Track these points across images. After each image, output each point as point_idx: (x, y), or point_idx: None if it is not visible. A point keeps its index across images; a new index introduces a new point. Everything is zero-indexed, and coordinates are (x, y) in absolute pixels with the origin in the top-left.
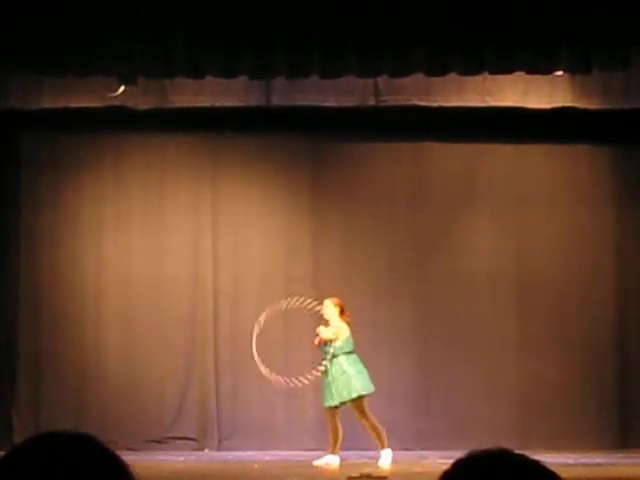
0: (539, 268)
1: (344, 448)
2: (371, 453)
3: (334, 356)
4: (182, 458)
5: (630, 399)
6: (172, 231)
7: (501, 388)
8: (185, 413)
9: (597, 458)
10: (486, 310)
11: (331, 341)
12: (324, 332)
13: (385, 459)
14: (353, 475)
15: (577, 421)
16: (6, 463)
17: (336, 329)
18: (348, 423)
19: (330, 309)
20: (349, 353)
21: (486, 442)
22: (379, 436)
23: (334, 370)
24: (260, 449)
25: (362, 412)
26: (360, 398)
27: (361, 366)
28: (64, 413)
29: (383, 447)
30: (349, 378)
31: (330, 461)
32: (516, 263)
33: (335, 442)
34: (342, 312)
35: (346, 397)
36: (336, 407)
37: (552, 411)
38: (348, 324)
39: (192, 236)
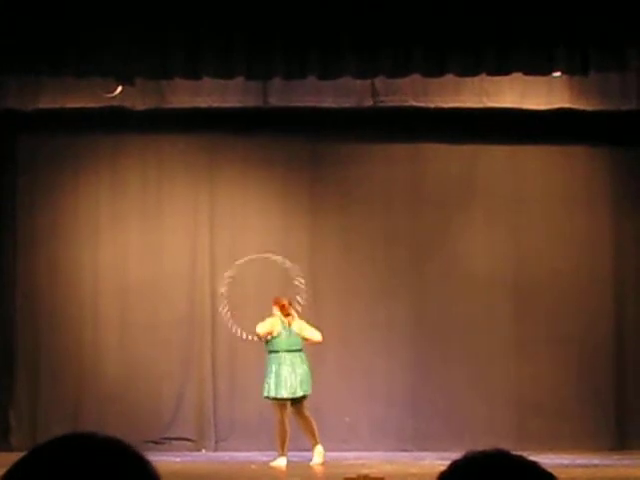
0: (536, 269)
1: (342, 449)
2: (368, 454)
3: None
4: (179, 459)
5: (627, 400)
6: (169, 232)
7: (498, 389)
8: (182, 414)
9: (594, 459)
10: (483, 311)
11: (267, 337)
12: (259, 327)
13: (279, 462)
14: (350, 476)
15: (574, 422)
16: (29, 464)
17: (268, 324)
18: (346, 425)
19: (273, 309)
20: (274, 352)
21: (483, 443)
22: (278, 442)
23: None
24: (257, 450)
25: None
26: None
27: (278, 369)
28: (61, 413)
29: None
30: (264, 377)
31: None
32: (513, 264)
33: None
34: (282, 310)
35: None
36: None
37: (549, 412)
38: (288, 319)
39: (189, 237)
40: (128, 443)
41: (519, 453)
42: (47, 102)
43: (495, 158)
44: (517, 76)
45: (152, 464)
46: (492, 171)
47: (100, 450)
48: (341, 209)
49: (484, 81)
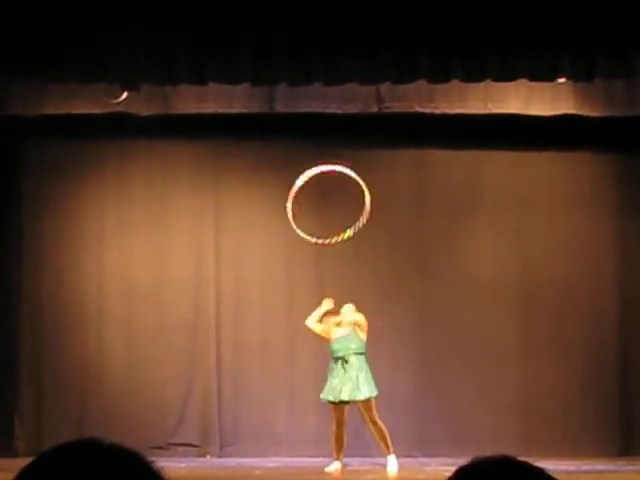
0: (541, 275)
1: (346, 455)
2: (373, 460)
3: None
4: (184, 464)
5: (632, 406)
6: (175, 237)
7: (503, 395)
8: (187, 419)
9: (599, 465)
10: (488, 317)
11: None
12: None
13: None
14: None
15: (579, 428)
16: (35, 471)
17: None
18: (349, 431)
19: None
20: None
21: (488, 449)
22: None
23: None
24: (262, 455)
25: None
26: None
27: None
28: (66, 419)
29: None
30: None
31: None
32: (518, 270)
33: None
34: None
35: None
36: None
37: (554, 418)
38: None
39: (195, 242)
40: (135, 449)
41: (524, 459)
42: (52, 108)
43: (500, 164)
44: (522, 82)
45: (161, 470)
46: (497, 177)
47: (108, 457)
48: (346, 214)
49: (489, 87)
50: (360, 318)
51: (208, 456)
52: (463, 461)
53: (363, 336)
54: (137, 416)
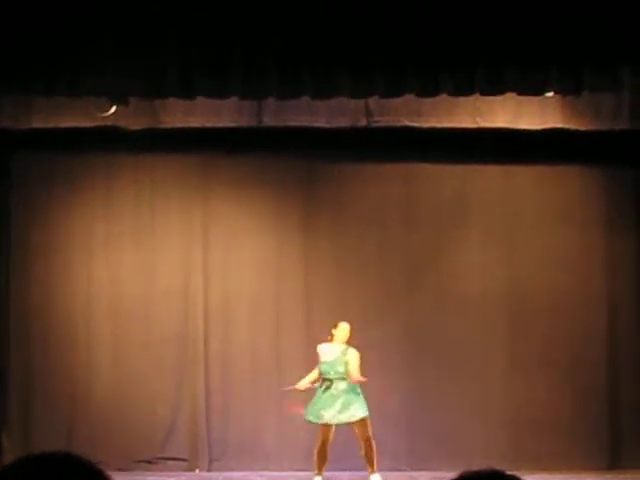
0: (530, 289)
1: (336, 469)
2: (362, 473)
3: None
4: (173, 479)
5: (620, 419)
6: (163, 251)
7: (492, 408)
8: (176, 433)
9: (588, 479)
10: (477, 330)
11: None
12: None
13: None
14: None
15: (568, 442)
16: None
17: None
18: (340, 444)
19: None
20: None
21: (477, 463)
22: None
23: None
24: (251, 469)
25: None
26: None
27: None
28: (54, 433)
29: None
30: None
31: None
32: (507, 284)
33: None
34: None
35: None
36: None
37: (543, 432)
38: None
39: (183, 256)
40: (89, 460)
41: (514, 473)
42: (41, 122)
43: (488, 178)
44: (510, 96)
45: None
46: (485, 191)
47: (59, 468)
48: (335, 228)
49: (477, 101)
50: (352, 360)
51: (197, 470)
52: (452, 475)
53: (354, 369)
54: (126, 430)
